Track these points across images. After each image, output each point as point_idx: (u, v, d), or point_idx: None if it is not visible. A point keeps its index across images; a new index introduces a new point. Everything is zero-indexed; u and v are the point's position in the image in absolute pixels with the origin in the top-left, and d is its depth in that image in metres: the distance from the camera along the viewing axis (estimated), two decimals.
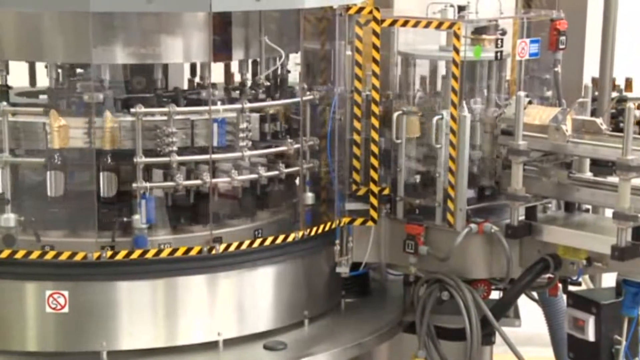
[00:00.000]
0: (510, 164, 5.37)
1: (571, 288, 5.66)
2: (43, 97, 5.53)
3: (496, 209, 5.57)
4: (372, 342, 5.44)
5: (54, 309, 4.90)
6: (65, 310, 4.90)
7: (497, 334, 5.56)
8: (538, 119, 5.41)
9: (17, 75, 5.55)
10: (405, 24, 5.44)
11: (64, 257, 4.94)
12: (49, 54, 5.14)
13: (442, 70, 5.62)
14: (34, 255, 4.94)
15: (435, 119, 5.41)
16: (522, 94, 5.37)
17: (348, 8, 5.40)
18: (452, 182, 5.39)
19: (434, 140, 5.42)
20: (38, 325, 4.97)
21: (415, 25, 5.41)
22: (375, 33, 5.40)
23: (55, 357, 4.95)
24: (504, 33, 5.61)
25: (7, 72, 5.30)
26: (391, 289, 5.94)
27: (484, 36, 5.58)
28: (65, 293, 4.90)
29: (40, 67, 5.55)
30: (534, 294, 6.01)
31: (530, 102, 5.52)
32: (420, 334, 5.54)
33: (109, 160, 5.06)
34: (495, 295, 5.65)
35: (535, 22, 5.77)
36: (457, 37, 5.30)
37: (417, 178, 5.61)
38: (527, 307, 6.09)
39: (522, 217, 5.41)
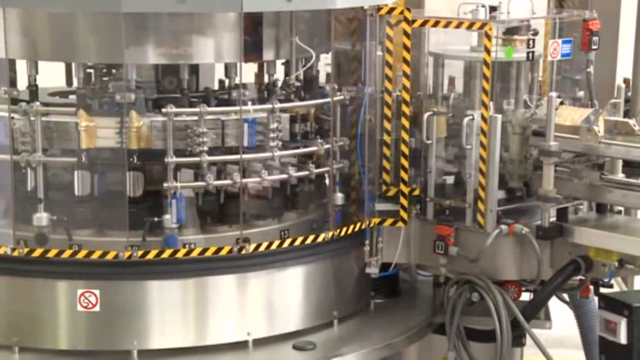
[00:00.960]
0: (541, 165, 5.34)
1: (603, 290, 5.61)
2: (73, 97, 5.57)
3: (527, 210, 5.55)
4: (401, 343, 5.44)
5: (85, 307, 4.93)
6: (97, 309, 4.93)
7: (527, 335, 5.53)
8: (570, 119, 5.37)
9: (52, 76, 5.59)
10: (436, 24, 5.42)
11: (95, 256, 4.97)
12: (82, 54, 5.17)
13: (473, 70, 5.59)
14: (66, 254, 4.97)
15: (465, 119, 5.39)
16: (554, 94, 5.34)
17: (379, 8, 5.39)
18: (482, 183, 5.37)
19: (465, 141, 5.40)
20: (69, 324, 5.01)
21: (446, 25, 5.40)
22: (406, 33, 5.39)
23: (86, 355, 4.99)
24: (535, 33, 5.57)
25: (37, 72, 5.33)
26: (421, 289, 5.92)
27: (515, 36, 5.56)
28: (97, 292, 4.93)
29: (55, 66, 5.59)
30: (565, 295, 5.97)
31: (562, 103, 5.48)
32: (450, 335, 5.52)
33: (140, 160, 5.08)
34: (525, 296, 5.62)
35: (568, 23, 5.74)
36: (489, 37, 5.28)
37: (448, 179, 5.59)
38: (558, 309, 6.05)
39: (553, 219, 5.38)
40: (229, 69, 5.61)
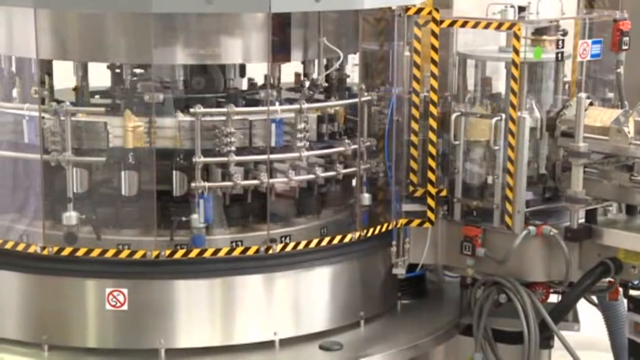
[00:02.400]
0: (570, 166, 5.31)
1: (632, 292, 5.57)
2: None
3: (555, 211, 5.52)
4: (428, 344, 5.43)
5: (113, 306, 4.97)
6: (125, 307, 4.97)
7: (555, 337, 5.50)
8: (599, 120, 5.34)
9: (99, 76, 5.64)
10: (464, 24, 5.40)
11: (123, 255, 5.00)
12: (111, 54, 5.20)
13: (501, 71, 5.57)
14: (95, 253, 5.01)
15: (494, 120, 5.37)
16: (583, 95, 5.31)
17: (407, 9, 5.38)
18: (510, 184, 5.34)
19: (493, 142, 5.38)
20: (98, 322, 5.04)
21: (475, 26, 5.38)
22: (434, 34, 5.38)
23: (114, 354, 5.02)
24: (565, 34, 5.54)
25: (83, 74, 5.39)
26: (448, 290, 5.91)
27: (544, 37, 5.52)
28: (125, 291, 4.96)
29: (101, 67, 5.63)
30: (594, 297, 5.93)
31: (591, 104, 5.45)
32: (477, 337, 5.51)
33: (169, 160, 5.11)
34: (554, 298, 5.59)
35: (598, 23, 5.70)
36: (517, 38, 5.25)
37: (475, 180, 5.57)
38: (587, 311, 6.01)
39: (582, 220, 5.35)
40: (257, 69, 5.63)
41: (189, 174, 5.10)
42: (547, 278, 5.43)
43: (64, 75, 5.50)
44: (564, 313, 5.51)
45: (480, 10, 5.46)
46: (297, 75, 5.81)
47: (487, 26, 5.36)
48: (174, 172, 5.10)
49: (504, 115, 5.36)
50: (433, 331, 5.47)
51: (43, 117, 5.08)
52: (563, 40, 5.47)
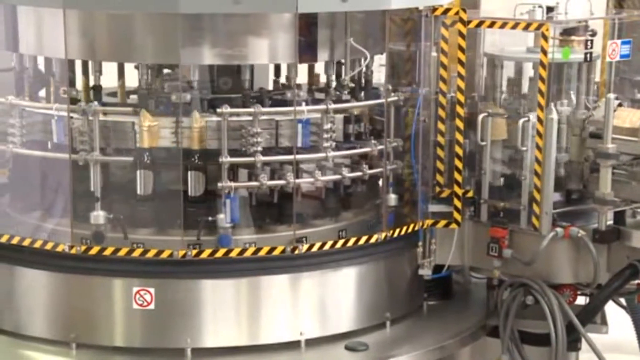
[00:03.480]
0: (598, 167, 5.27)
1: None
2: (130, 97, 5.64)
3: (583, 213, 5.48)
4: (454, 345, 5.41)
5: (140, 305, 4.99)
6: (152, 307, 4.99)
7: (583, 340, 5.46)
8: (628, 121, 5.30)
9: (109, 76, 5.67)
10: (492, 25, 5.38)
11: (150, 254, 5.03)
12: (139, 54, 5.23)
13: (529, 71, 5.54)
14: (122, 252, 5.04)
15: (521, 121, 5.35)
16: (612, 96, 5.27)
17: (434, 9, 5.37)
18: (537, 185, 5.31)
19: (520, 143, 5.36)
20: (125, 321, 5.07)
21: (502, 26, 5.36)
22: (461, 34, 5.36)
23: (141, 352, 5.04)
24: (594, 34, 5.51)
25: (101, 73, 5.42)
26: (474, 292, 5.89)
27: (573, 37, 5.49)
28: (152, 290, 4.98)
29: (129, 67, 5.66)
30: (622, 300, 5.88)
31: (620, 105, 5.41)
32: (504, 338, 5.48)
33: (195, 160, 5.13)
34: (581, 300, 5.55)
35: (627, 23, 5.66)
36: (545, 38, 5.22)
37: (502, 181, 5.55)
38: (615, 313, 5.97)
39: (610, 222, 5.31)
40: (283, 70, 5.63)
41: (215, 174, 5.11)
42: (574, 280, 5.40)
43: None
44: (592, 315, 5.47)
45: (507, 11, 5.44)
46: (316, 75, 5.80)
47: (514, 26, 5.33)
48: (200, 172, 5.11)
49: (531, 116, 5.33)
50: (459, 332, 5.45)
51: (72, 117, 5.11)
52: (592, 41, 5.44)
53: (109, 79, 5.60)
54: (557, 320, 5.31)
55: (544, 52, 5.24)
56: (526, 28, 5.33)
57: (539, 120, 5.30)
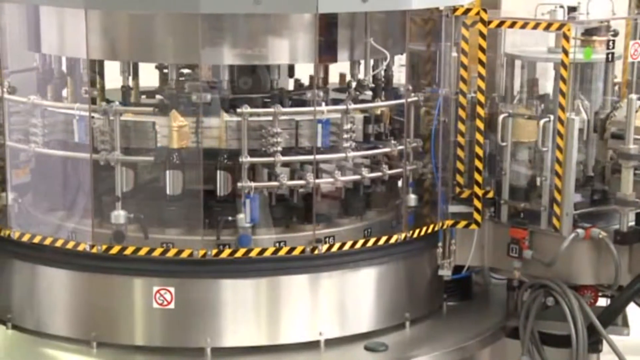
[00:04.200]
0: (620, 168, 5.24)
1: None
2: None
3: (605, 214, 5.45)
4: (474, 346, 5.39)
5: (160, 304, 5.01)
6: (172, 306, 5.01)
7: (604, 342, 5.43)
8: None
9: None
10: (512, 25, 5.37)
11: (170, 254, 5.04)
12: (160, 54, 5.25)
13: (550, 72, 5.52)
14: (142, 251, 5.06)
15: (542, 121, 5.32)
16: (634, 96, 5.24)
17: (455, 9, 5.36)
18: (558, 186, 5.29)
19: (541, 144, 5.33)
20: (145, 320, 5.09)
21: (523, 26, 5.34)
22: (481, 34, 5.34)
23: (161, 351, 5.06)
24: (616, 34, 5.47)
25: (129, 74, 5.44)
26: (494, 292, 5.87)
27: (594, 37, 5.46)
28: (172, 289, 5.00)
29: (149, 67, 5.69)
30: None
31: None
32: (524, 340, 5.46)
33: (216, 160, 5.14)
34: (602, 302, 5.52)
35: None
36: (567, 38, 5.20)
37: (522, 181, 5.52)
38: (637, 315, 5.93)
39: (632, 223, 5.28)
40: (303, 69, 5.64)
41: (235, 173, 5.12)
42: (595, 281, 5.37)
43: (114, 75, 5.55)
44: (613, 317, 5.44)
45: (528, 11, 5.42)
46: (341, 75, 5.81)
47: (535, 27, 5.31)
48: (220, 172, 5.12)
49: (552, 117, 5.31)
50: (479, 333, 5.43)
51: (93, 117, 5.14)
52: (614, 41, 5.41)
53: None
54: (577, 321, 5.28)
55: (565, 53, 5.22)
56: (547, 28, 5.31)
57: (560, 120, 5.27)
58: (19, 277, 5.25)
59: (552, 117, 5.32)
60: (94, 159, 5.10)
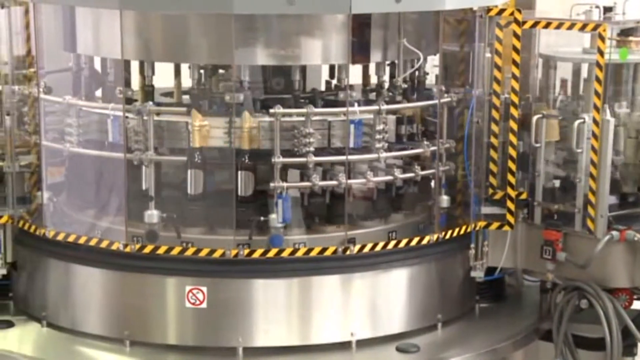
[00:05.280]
0: None
1: None
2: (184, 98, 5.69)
3: (639, 216, 5.39)
4: (507, 349, 5.36)
5: (193, 304, 5.04)
6: (204, 305, 5.03)
7: (639, 345, 5.37)
8: None
9: (162, 76, 5.72)
10: (547, 25, 5.33)
11: (203, 253, 5.06)
12: (193, 55, 5.28)
13: (585, 73, 5.47)
14: (175, 251, 5.09)
15: (576, 122, 5.28)
16: None
17: (489, 9, 5.33)
18: (593, 188, 5.25)
19: (575, 145, 5.29)
20: (178, 319, 5.12)
21: (558, 27, 5.30)
22: (516, 35, 5.31)
23: (193, 351, 5.08)
24: None
25: (153, 73, 5.47)
26: (527, 295, 5.84)
27: (630, 38, 5.41)
28: (204, 289, 5.02)
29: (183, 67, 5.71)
30: None
31: None
32: (558, 342, 5.42)
33: (248, 160, 5.16)
34: (638, 305, 5.46)
35: None
36: (602, 39, 5.15)
37: (556, 183, 5.49)
38: None
39: None
40: (336, 70, 5.63)
41: (267, 174, 5.13)
42: (630, 284, 5.32)
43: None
44: None
45: (563, 11, 5.38)
46: (364, 76, 5.80)
47: (571, 27, 5.27)
48: (246, 171, 5.13)
49: (587, 118, 5.27)
50: (512, 336, 5.40)
51: (127, 117, 5.18)
52: None
53: (161, 79, 5.66)
54: (612, 324, 5.24)
55: (601, 53, 5.17)
56: (583, 29, 5.26)
57: (595, 121, 5.23)
58: (54, 276, 5.30)
59: (586, 118, 5.27)
60: (128, 158, 5.13)
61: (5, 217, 5.38)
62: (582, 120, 5.28)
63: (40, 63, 5.37)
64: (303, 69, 5.43)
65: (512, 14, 5.31)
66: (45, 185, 5.39)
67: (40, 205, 5.38)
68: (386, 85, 5.58)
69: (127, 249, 5.11)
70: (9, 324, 5.34)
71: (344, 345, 5.14)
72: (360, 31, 5.22)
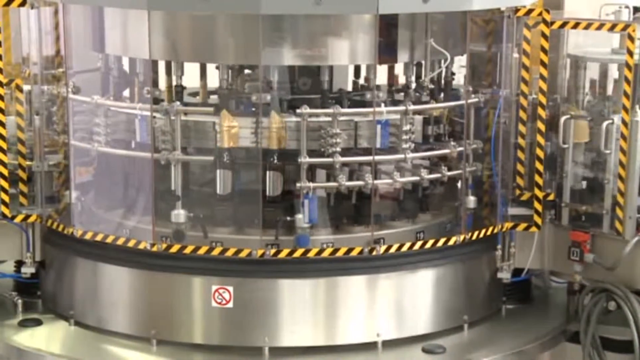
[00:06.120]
0: None
1: None
2: (212, 97, 5.70)
3: None
4: (533, 350, 5.34)
5: (219, 303, 5.05)
6: (230, 305, 5.04)
7: None
8: None
9: (190, 76, 5.75)
10: (576, 26, 5.30)
11: (229, 253, 5.08)
12: (221, 55, 5.29)
13: (613, 73, 5.44)
14: (202, 250, 5.10)
15: (605, 123, 5.25)
16: None
17: (517, 10, 5.30)
18: (621, 189, 5.21)
19: (603, 146, 5.26)
20: (204, 319, 5.14)
21: (587, 27, 5.27)
22: (544, 35, 5.29)
23: (219, 350, 5.10)
24: None
25: (182, 73, 5.49)
26: (554, 296, 5.81)
27: None
28: (230, 288, 5.04)
29: (210, 67, 5.73)
30: None
31: None
32: (585, 345, 5.39)
33: (275, 160, 5.17)
34: None
35: None
36: (632, 39, 5.12)
37: (584, 184, 5.45)
38: None
39: None
40: (362, 71, 5.63)
41: (293, 174, 5.14)
42: None
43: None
44: None
45: (592, 11, 5.34)
46: (395, 76, 5.79)
47: (599, 27, 5.24)
48: (272, 171, 5.13)
49: (615, 119, 5.23)
50: (539, 337, 5.38)
51: (154, 117, 5.20)
52: None
53: (188, 79, 5.68)
54: None
55: (630, 54, 5.13)
56: (612, 29, 5.23)
57: (624, 122, 5.19)
58: (82, 275, 5.34)
59: (615, 119, 5.23)
60: (155, 158, 5.15)
61: (34, 216, 5.42)
62: (610, 121, 5.25)
63: (69, 63, 5.40)
64: (330, 69, 5.43)
65: (540, 14, 5.28)
66: (74, 185, 5.43)
67: (69, 204, 5.41)
68: (413, 85, 5.57)
69: (154, 249, 5.13)
70: (38, 322, 5.38)
71: (370, 346, 5.14)
72: (388, 31, 5.21)
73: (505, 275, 5.46)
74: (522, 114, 5.39)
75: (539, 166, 5.39)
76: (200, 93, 5.66)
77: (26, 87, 5.44)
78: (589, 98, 5.50)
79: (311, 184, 5.12)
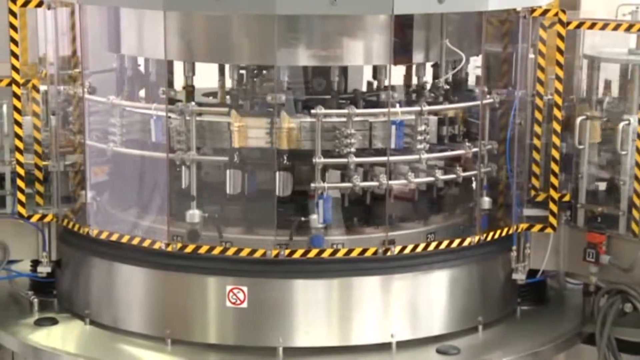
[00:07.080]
0: None
1: None
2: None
3: None
4: (548, 352, 5.33)
5: (233, 303, 5.06)
6: (244, 305, 5.05)
7: None
8: None
9: (204, 76, 5.76)
10: (592, 26, 5.27)
11: (244, 253, 5.09)
12: (236, 55, 5.30)
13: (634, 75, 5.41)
14: (216, 250, 5.12)
15: (621, 124, 5.22)
16: None
17: (533, 10, 5.28)
18: (637, 190, 5.18)
19: (620, 147, 5.23)
20: (218, 319, 5.15)
21: (603, 27, 5.24)
22: (560, 36, 5.26)
23: (234, 350, 5.11)
24: None
25: (193, 73, 5.51)
26: (569, 298, 5.79)
27: None
28: (245, 289, 5.05)
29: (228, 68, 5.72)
30: None
31: None
32: (600, 346, 5.36)
33: (289, 161, 5.17)
34: None
35: None
36: None
37: (600, 185, 5.42)
38: None
39: None
40: (378, 71, 5.63)
41: (307, 174, 5.14)
42: None
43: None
44: None
45: (609, 11, 5.32)
46: (406, 77, 5.77)
47: (616, 28, 5.22)
48: (287, 172, 5.13)
49: (632, 120, 5.20)
50: (554, 339, 5.36)
51: (169, 117, 5.21)
52: None
53: (204, 79, 5.69)
54: None
55: None
56: (628, 29, 5.20)
57: None
58: (97, 274, 5.36)
59: (631, 119, 5.20)
60: (170, 158, 5.16)
61: (50, 215, 5.45)
62: (627, 122, 5.22)
63: (85, 63, 5.43)
64: (344, 70, 5.43)
65: (556, 14, 5.26)
66: (89, 185, 5.45)
67: (84, 204, 5.44)
68: (428, 86, 5.56)
69: (169, 248, 5.15)
70: (53, 322, 5.41)
71: (384, 347, 5.14)
72: (403, 32, 5.20)
73: (520, 277, 5.44)
74: (537, 115, 5.37)
75: (555, 167, 5.37)
76: (219, 94, 5.67)
77: (42, 88, 5.47)
78: (609, 99, 5.46)
79: (325, 185, 5.12)
